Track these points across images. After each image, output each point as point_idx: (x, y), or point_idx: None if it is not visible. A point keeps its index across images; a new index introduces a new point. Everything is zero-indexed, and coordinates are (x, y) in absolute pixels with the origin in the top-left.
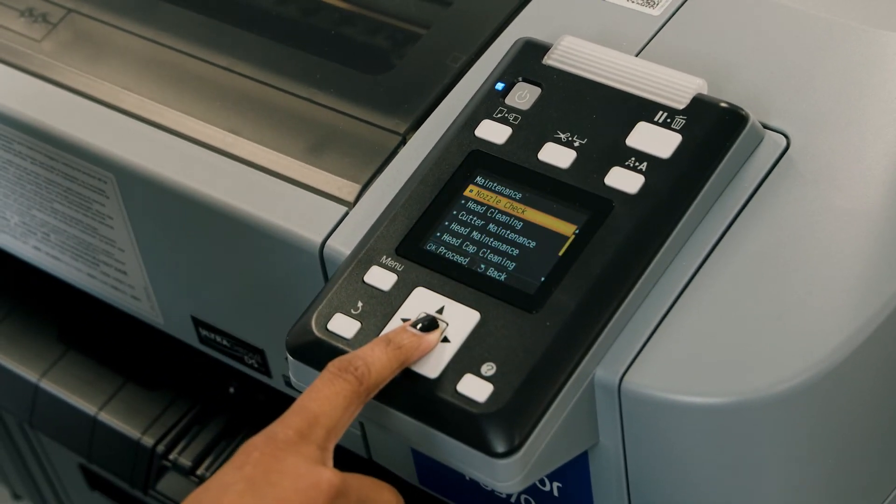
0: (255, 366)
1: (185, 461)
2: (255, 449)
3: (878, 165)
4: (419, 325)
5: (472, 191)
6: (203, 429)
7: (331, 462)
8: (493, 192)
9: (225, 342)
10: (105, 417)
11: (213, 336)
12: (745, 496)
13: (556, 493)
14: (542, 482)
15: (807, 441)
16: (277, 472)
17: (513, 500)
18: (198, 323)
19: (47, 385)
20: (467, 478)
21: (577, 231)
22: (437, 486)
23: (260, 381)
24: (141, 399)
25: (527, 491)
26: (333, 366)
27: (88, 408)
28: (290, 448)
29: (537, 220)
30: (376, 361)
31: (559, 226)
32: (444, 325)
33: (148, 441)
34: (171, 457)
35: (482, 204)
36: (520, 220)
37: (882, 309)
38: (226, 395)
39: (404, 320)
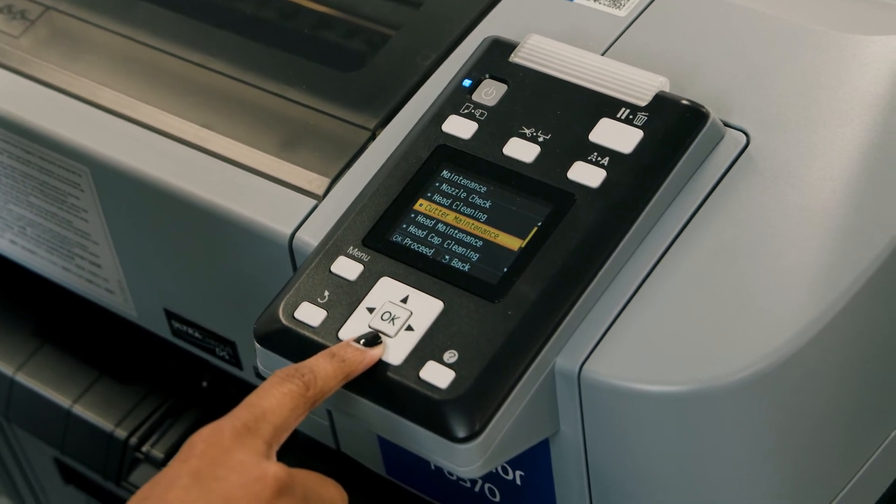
0: (227, 358)
1: (158, 453)
2: (200, 441)
3: (835, 164)
4: (362, 341)
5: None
6: (176, 422)
7: (275, 460)
8: (459, 185)
9: (197, 334)
10: (79, 410)
11: (185, 328)
12: (704, 485)
13: (518, 481)
14: (504, 470)
15: (764, 430)
16: (223, 465)
17: (476, 488)
18: (170, 315)
19: (22, 378)
20: (433, 467)
21: (539, 224)
22: (404, 477)
23: (232, 376)
24: (115, 392)
25: (490, 479)
26: (282, 371)
27: (63, 401)
28: (236, 440)
29: None
30: (322, 371)
31: None
32: (406, 313)
33: (121, 433)
34: (144, 449)
35: (448, 197)
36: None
37: (836, 302)
38: (198, 389)
39: (369, 309)
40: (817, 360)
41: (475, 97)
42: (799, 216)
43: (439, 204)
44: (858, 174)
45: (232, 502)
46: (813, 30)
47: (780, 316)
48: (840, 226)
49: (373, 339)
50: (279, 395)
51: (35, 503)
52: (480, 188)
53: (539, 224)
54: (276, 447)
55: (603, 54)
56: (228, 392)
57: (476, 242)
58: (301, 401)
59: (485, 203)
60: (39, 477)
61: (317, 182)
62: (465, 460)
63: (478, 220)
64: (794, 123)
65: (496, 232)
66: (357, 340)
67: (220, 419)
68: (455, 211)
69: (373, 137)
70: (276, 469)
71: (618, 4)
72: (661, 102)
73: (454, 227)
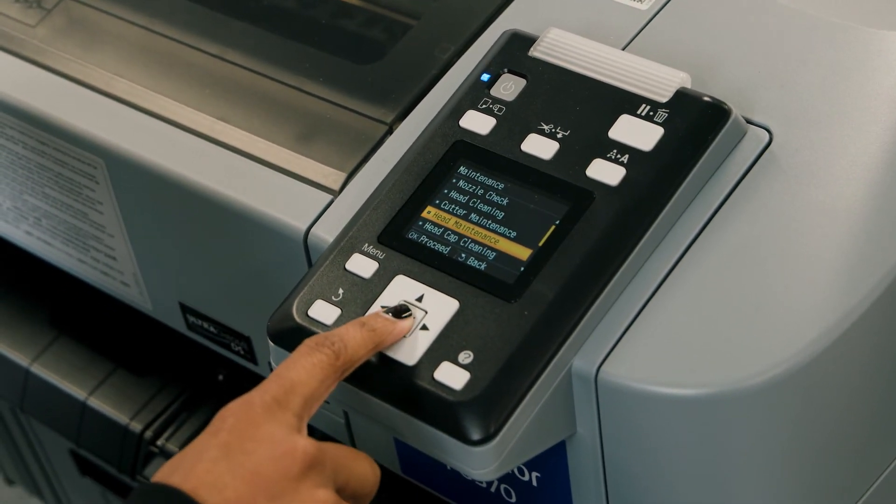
0: (242, 353)
1: (173, 447)
2: (230, 415)
3: (859, 162)
4: (392, 313)
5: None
6: (191, 415)
7: (305, 432)
8: (476, 182)
9: (212, 329)
10: (94, 403)
11: (200, 322)
12: (722, 488)
13: (534, 482)
14: (520, 472)
15: (782, 434)
16: (252, 439)
17: (492, 489)
18: (185, 309)
19: (38, 370)
20: (448, 467)
21: (557, 222)
22: (420, 476)
23: (248, 370)
24: (130, 385)
25: (506, 480)
26: (311, 340)
27: (78, 393)
28: (266, 414)
29: None
30: (351, 340)
31: None
32: (422, 313)
33: (136, 427)
34: (159, 443)
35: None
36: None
37: (859, 304)
38: (214, 383)
39: (384, 307)
40: (839, 363)
41: (493, 92)
42: (822, 216)
43: (456, 201)
44: (884, 172)
45: (260, 476)
46: (838, 24)
47: (801, 318)
48: (864, 225)
49: (402, 311)
50: (308, 366)
51: (52, 494)
52: (498, 185)
53: (557, 222)
54: (306, 419)
55: (624, 49)
56: (245, 385)
57: (494, 240)
58: (330, 370)
59: (502, 201)
60: (56, 468)
61: (333, 177)
62: (479, 463)
63: (495, 217)
64: (818, 120)
65: (508, 242)
66: (387, 312)
67: (250, 392)
68: (472, 209)
69: (390, 132)
70: (305, 443)
71: None
72: (683, 99)
73: (470, 226)
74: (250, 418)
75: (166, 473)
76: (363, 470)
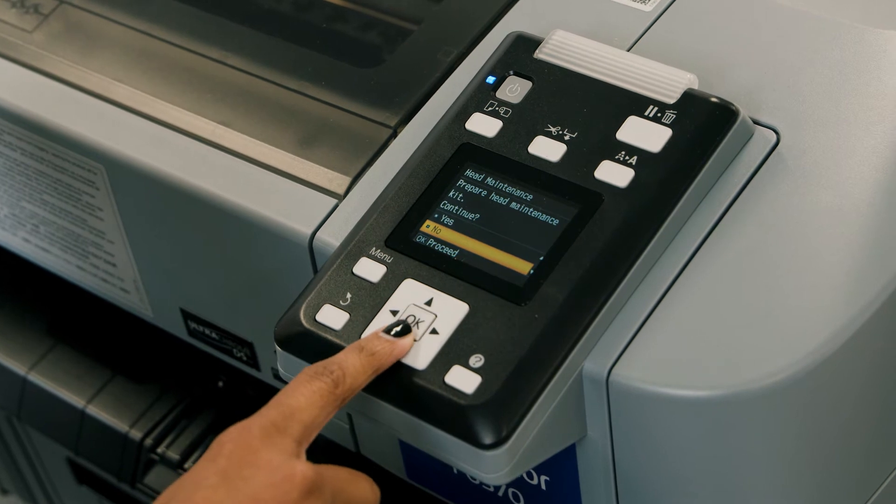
0: (244, 359)
1: (173, 455)
2: (229, 441)
3: (867, 163)
4: (392, 331)
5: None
6: (191, 423)
7: (304, 458)
8: (483, 184)
9: (214, 335)
10: (93, 410)
11: (201, 329)
12: (733, 490)
13: (543, 486)
14: (529, 475)
15: (793, 436)
16: (251, 464)
17: (500, 493)
18: (187, 315)
19: (35, 378)
20: (455, 471)
21: (566, 224)
22: (425, 480)
23: (249, 376)
24: (129, 392)
25: (514, 484)
26: (310, 368)
27: (77, 401)
28: (264, 440)
29: None
30: (351, 367)
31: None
32: (431, 316)
33: (136, 434)
34: (159, 450)
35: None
36: None
37: (868, 306)
38: (214, 389)
39: (393, 312)
40: (849, 364)
41: (499, 94)
42: (831, 217)
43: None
44: (892, 173)
45: (260, 502)
46: (844, 25)
47: (811, 320)
48: (873, 226)
49: (403, 328)
50: (308, 394)
51: (48, 503)
52: (505, 188)
53: (566, 225)
54: (305, 445)
55: (628, 50)
56: (245, 392)
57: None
58: (330, 398)
59: (510, 203)
60: (52, 477)
61: (337, 181)
62: (491, 467)
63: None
64: (826, 121)
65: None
66: (387, 331)
67: (249, 418)
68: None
69: (394, 135)
70: (304, 468)
71: None
72: (690, 100)
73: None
74: (248, 444)
75: (164, 501)
76: (363, 491)
